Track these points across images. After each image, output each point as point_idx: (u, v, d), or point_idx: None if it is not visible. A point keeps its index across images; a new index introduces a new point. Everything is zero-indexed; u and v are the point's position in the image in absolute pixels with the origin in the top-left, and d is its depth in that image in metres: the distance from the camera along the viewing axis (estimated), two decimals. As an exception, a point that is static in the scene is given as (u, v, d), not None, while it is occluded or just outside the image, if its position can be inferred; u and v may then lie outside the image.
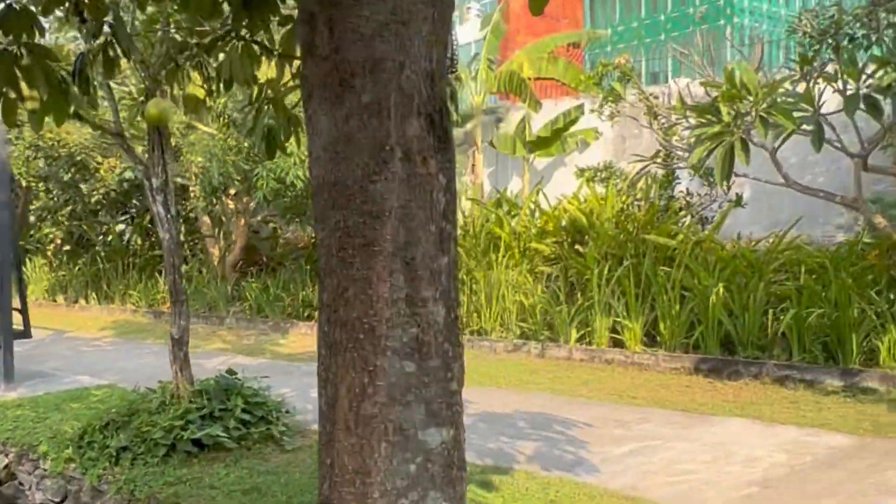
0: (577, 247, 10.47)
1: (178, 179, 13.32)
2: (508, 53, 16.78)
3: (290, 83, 3.87)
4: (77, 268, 15.60)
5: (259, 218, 13.88)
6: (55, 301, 15.82)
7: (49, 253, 16.69)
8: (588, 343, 9.67)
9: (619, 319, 9.48)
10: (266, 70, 3.96)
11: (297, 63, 3.74)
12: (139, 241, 15.63)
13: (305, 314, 12.25)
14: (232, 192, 13.42)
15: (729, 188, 10.17)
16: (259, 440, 5.87)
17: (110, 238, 15.79)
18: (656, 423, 6.48)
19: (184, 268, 14.07)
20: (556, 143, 13.67)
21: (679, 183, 10.95)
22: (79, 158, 12.85)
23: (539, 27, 19.30)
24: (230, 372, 6.31)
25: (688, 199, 10.66)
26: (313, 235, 13.11)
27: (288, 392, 7.82)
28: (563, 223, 10.78)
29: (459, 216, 12.37)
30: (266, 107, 3.87)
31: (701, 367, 8.61)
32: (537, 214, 11.18)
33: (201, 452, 5.72)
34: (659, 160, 9.73)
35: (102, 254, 15.60)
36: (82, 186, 13.40)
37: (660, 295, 9.30)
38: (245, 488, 5.18)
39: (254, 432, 5.83)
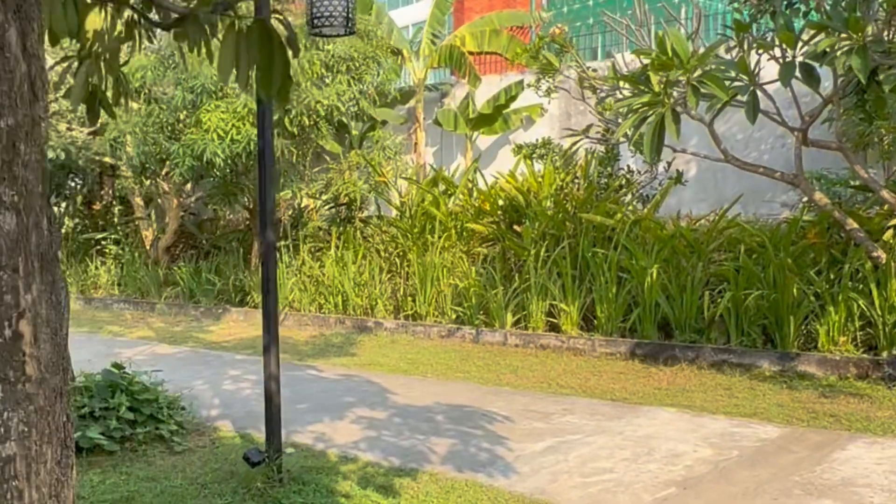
0: (514, 227, 9.95)
1: (107, 158, 12.55)
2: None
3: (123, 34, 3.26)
4: None
5: (193, 199, 13.14)
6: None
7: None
8: (524, 327, 9.18)
9: (555, 303, 9.00)
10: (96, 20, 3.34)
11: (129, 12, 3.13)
12: (70, 224, 14.78)
13: (237, 299, 11.59)
14: (164, 171, 12.65)
15: (669, 164, 9.72)
16: (146, 441, 5.25)
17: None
18: (580, 415, 5.99)
19: (114, 251, 13.38)
20: (498, 121, 13.10)
21: (620, 160, 10.46)
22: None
23: (497, 3, 18.65)
24: (116, 366, 5.67)
25: (628, 176, 10.18)
26: (248, 217, 12.42)
27: (199, 384, 7.21)
28: (501, 202, 10.25)
29: (395, 196, 11.85)
30: (89, 62, 3.23)
31: (637, 352, 8.17)
32: (475, 194, 10.63)
33: (79, 457, 5.10)
34: (593, 135, 9.22)
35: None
36: None
37: (597, 277, 8.83)
38: (115, 498, 4.57)
39: (139, 433, 5.21)
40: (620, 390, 6.84)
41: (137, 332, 10.49)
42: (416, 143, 14.11)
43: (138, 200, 13.67)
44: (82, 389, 5.30)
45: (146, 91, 10.32)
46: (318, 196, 12.07)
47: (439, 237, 10.38)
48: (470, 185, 10.69)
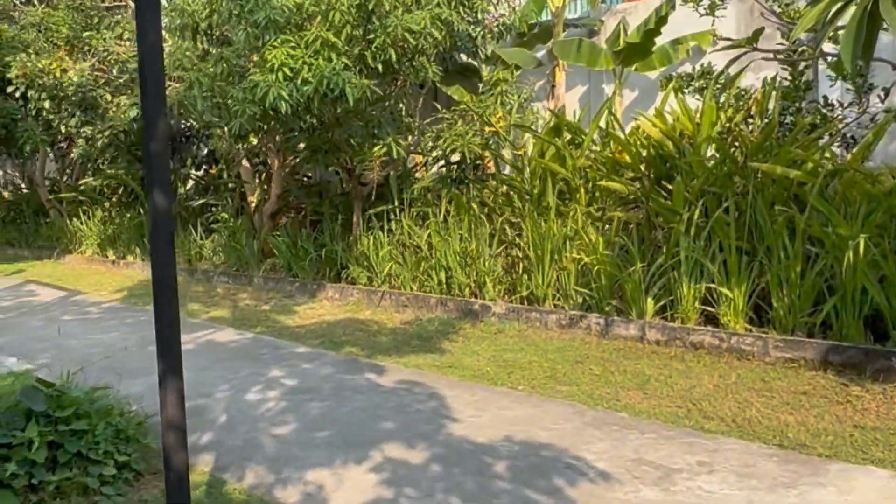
0: (661, 183, 7.71)
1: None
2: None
3: None
4: (127, 220, 14.36)
5: (298, 160, 11.86)
6: (106, 257, 14.73)
7: (107, 205, 15.59)
8: (669, 318, 7.00)
9: (713, 286, 6.73)
10: None
11: None
12: (182, 191, 14.14)
13: (332, 273, 10.20)
14: (265, 127, 11.48)
15: (886, 92, 7.03)
16: (64, 492, 3.82)
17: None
18: (723, 476, 3.88)
19: (224, 217, 12.47)
20: (655, 53, 10.66)
21: (813, 88, 7.83)
22: (91, 95, 11.30)
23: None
24: (42, 383, 4.29)
25: (825, 111, 7.56)
26: (349, 178, 10.95)
27: (222, 390, 5.80)
28: (644, 153, 8.00)
29: (509, 151, 9.87)
30: None
31: (831, 360, 5.78)
32: (611, 144, 8.43)
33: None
34: (767, 52, 6.71)
35: (147, 205, 14.25)
36: (86, 130, 11.88)
37: (774, 251, 6.46)
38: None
39: (53, 480, 3.78)
40: (799, 427, 4.59)
41: (215, 311, 9.37)
42: (552, 87, 11.99)
43: (244, 162, 12.64)
44: (-13, 415, 3.95)
45: (217, 34, 9.04)
46: (426, 152, 10.35)
47: (563, 199, 8.34)
48: (606, 132, 8.49)
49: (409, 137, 11.04)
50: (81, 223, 15.42)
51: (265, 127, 9.18)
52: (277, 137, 11.29)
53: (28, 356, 7.18)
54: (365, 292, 9.46)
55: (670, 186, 7.66)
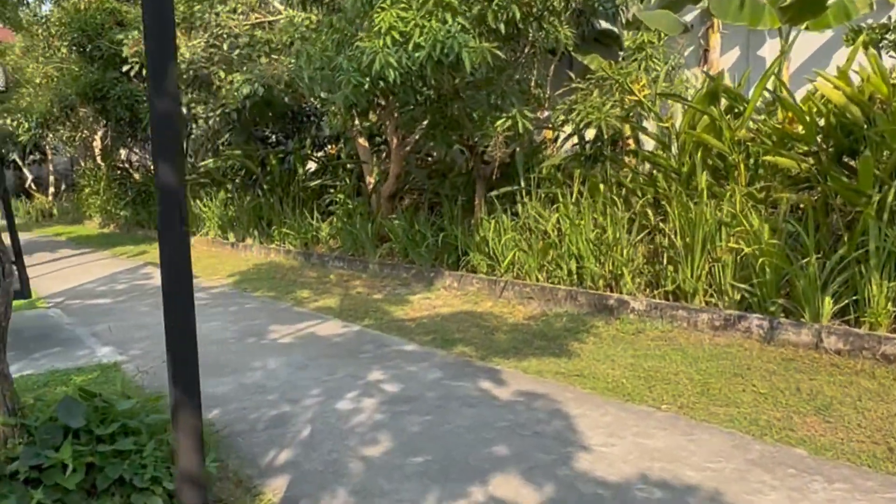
0: (843, 159, 6.46)
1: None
2: None
3: None
4: (246, 203, 14.26)
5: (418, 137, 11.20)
6: (226, 239, 14.72)
7: (229, 186, 15.61)
8: (853, 322, 5.80)
9: (913, 285, 5.49)
10: None
11: None
12: (301, 171, 13.84)
13: (451, 260, 9.48)
14: (382, 102, 10.92)
15: None
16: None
17: (269, 167, 14.20)
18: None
19: (342, 199, 12.05)
20: (831, 8, 9.22)
21: None
22: (203, 72, 11.07)
23: None
24: (87, 394, 3.76)
25: None
26: (470, 156, 10.17)
27: (311, 396, 5.17)
28: (822, 122, 6.75)
29: (653, 124, 8.73)
30: None
31: None
32: (779, 112, 7.20)
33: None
34: None
35: (264, 186, 14.09)
36: (198, 109, 11.68)
37: None
38: None
39: (88, 509, 3.23)
40: None
41: (324, 300, 8.87)
42: (705, 51, 10.71)
43: (361, 141, 12.15)
44: (21, 430, 3.44)
45: (327, 0, 8.48)
46: (557, 126, 9.40)
47: (717, 178, 7.22)
48: (773, 98, 7.26)
49: (538, 111, 10.14)
50: (204, 205, 15.50)
51: (376, 100, 8.53)
52: (396, 114, 10.68)
53: (123, 346, 6.87)
54: (485, 282, 8.69)
55: (854, 163, 6.41)
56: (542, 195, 8.96)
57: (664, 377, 5.25)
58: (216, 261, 12.92)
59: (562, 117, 8.90)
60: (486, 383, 5.30)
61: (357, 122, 11.80)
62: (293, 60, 8.71)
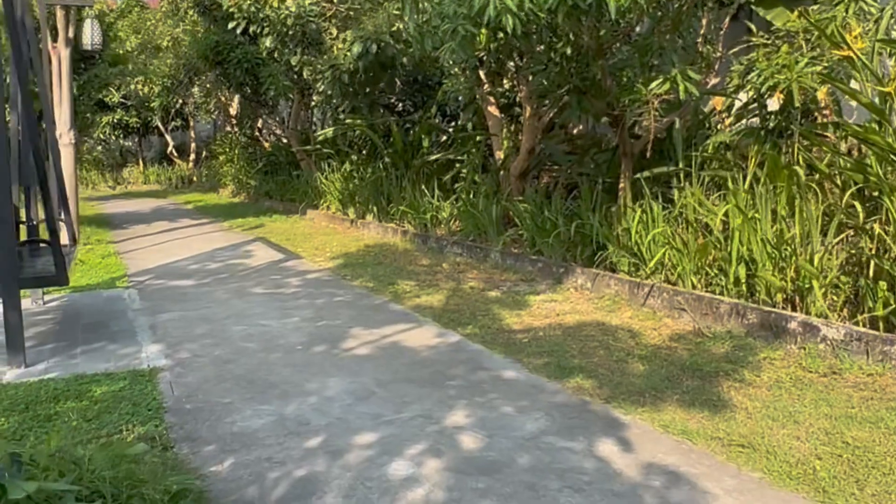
0: None
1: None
2: None
3: None
4: (367, 176, 13.24)
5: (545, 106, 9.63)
6: (346, 215, 13.79)
7: (354, 158, 14.66)
8: None
9: None
10: None
11: None
12: (427, 144, 12.61)
13: (585, 254, 7.93)
14: (511, 65, 9.49)
15: None
16: None
17: (392, 138, 13.06)
18: None
19: (471, 176, 10.73)
20: None
21: None
22: (312, 29, 10.00)
23: None
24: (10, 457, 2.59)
25: None
26: (615, 128, 8.52)
27: (353, 453, 3.87)
28: None
29: (867, 87, 6.68)
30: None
31: None
32: None
33: None
34: None
35: (386, 159, 12.98)
36: (306, 70, 10.61)
37: None
38: None
39: None
40: None
41: (427, 295, 7.57)
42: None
43: (492, 109, 10.74)
44: None
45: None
46: (730, 93, 7.59)
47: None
48: None
49: (706, 74, 8.35)
50: (325, 177, 14.66)
51: (503, 59, 7.10)
52: (531, 77, 9.18)
53: (175, 345, 5.87)
54: (626, 284, 7.11)
55: None
56: (706, 179, 7.24)
57: (880, 462, 3.56)
58: (328, 238, 11.97)
59: (736, 81, 7.10)
60: (606, 446, 3.80)
61: (486, 86, 10.40)
62: (398, 10, 7.42)
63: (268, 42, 10.56)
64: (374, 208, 12.76)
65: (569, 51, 7.26)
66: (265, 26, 10.35)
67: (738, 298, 6.17)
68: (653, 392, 4.59)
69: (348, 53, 9.64)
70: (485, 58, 9.40)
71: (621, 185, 8.16)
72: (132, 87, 19.41)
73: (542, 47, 7.22)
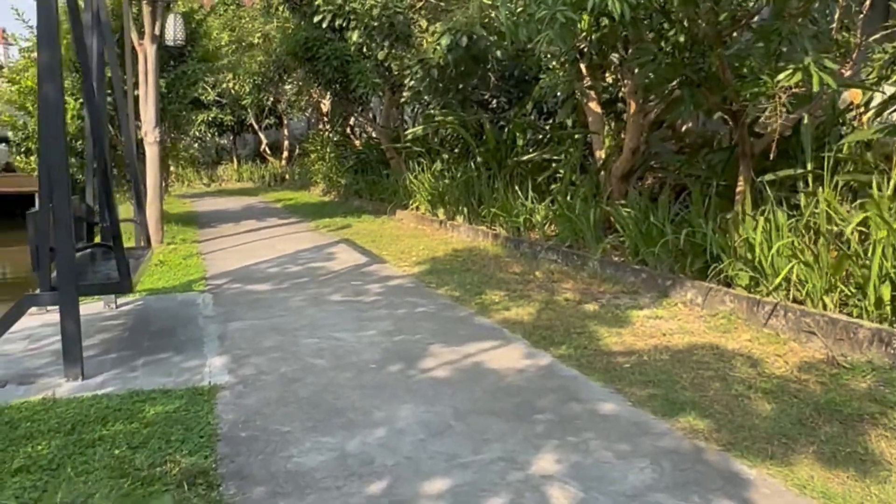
0: None
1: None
2: None
3: None
4: (458, 176, 12.73)
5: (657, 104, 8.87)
6: (435, 216, 13.33)
7: (446, 156, 14.18)
8: None
9: None
10: None
11: None
12: (521, 142, 12.00)
13: (696, 266, 7.18)
14: (615, 57, 8.82)
15: None
16: None
17: (485, 136, 12.49)
18: None
19: (569, 176, 10.10)
20: None
21: None
22: (400, 21, 9.52)
23: None
24: None
25: None
26: (733, 125, 7.71)
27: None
28: None
29: None
30: None
31: None
32: None
33: None
34: None
35: (478, 158, 12.42)
36: (394, 65, 10.13)
37: None
38: None
39: None
40: None
41: (517, 308, 6.98)
42: None
43: (592, 105, 10.05)
44: None
45: None
46: (870, 85, 6.71)
47: None
48: None
49: (843, 65, 7.46)
50: (415, 176, 14.25)
51: (593, 46, 6.45)
52: (637, 69, 8.47)
53: (241, 358, 5.50)
54: (744, 301, 6.34)
55: None
56: (840, 184, 6.40)
57: None
58: (415, 241, 11.52)
59: (882, 70, 6.23)
60: (730, 513, 3.15)
61: (587, 80, 9.72)
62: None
63: (354, 36, 10.18)
64: (465, 210, 12.25)
65: (682, 39, 6.54)
66: (352, 19, 9.96)
67: (881, 323, 5.35)
68: (782, 439, 3.89)
69: (438, 47, 9.13)
70: (585, 49, 8.74)
71: (739, 188, 7.37)
72: (224, 84, 19.51)
73: (652, 35, 6.52)
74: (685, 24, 6.53)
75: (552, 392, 4.68)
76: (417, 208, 14.34)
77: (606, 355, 5.46)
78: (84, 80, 5.68)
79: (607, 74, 10.19)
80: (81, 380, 5.05)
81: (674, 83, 7.53)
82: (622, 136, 9.56)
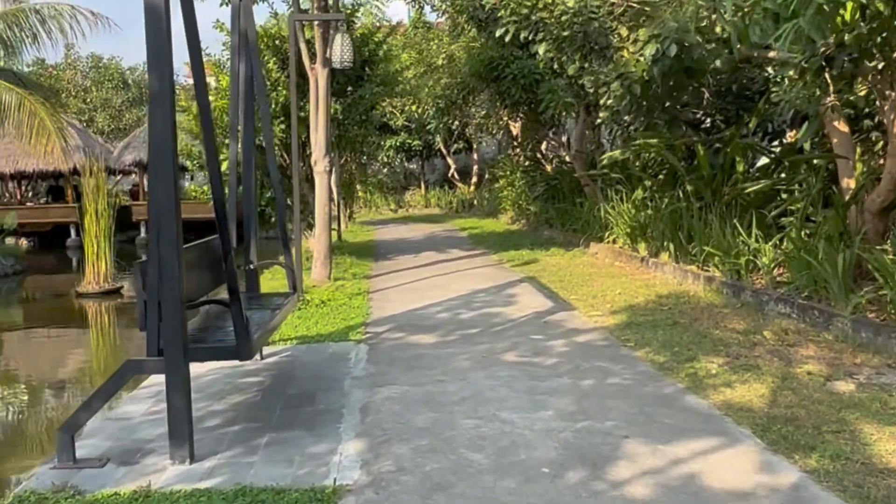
0: None
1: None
2: None
3: None
4: (664, 207, 11.22)
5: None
6: (636, 251, 11.87)
7: (649, 183, 12.71)
8: None
9: None
10: None
11: None
12: (739, 166, 10.32)
13: None
14: (871, 64, 7.19)
15: None
16: None
17: (696, 161, 10.90)
18: None
19: (801, 211, 8.45)
20: None
21: None
22: (595, 29, 8.25)
23: None
24: None
25: None
26: None
27: None
28: None
29: None
30: None
31: None
32: None
33: None
34: None
35: (687, 186, 10.86)
36: (585, 80, 8.82)
37: None
38: None
39: None
40: None
41: (739, 386, 5.45)
42: None
43: (838, 124, 8.29)
44: None
45: None
46: None
47: None
48: None
49: None
50: (612, 206, 12.89)
51: (847, 50, 4.91)
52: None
53: (380, 445, 4.46)
54: None
55: None
56: None
57: None
58: (610, 282, 10.16)
59: None
60: None
61: (832, 94, 8.01)
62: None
63: (541, 49, 9.07)
64: (671, 246, 10.73)
65: None
66: (539, 30, 8.87)
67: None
68: None
69: (640, 58, 7.82)
70: (836, 55, 7.12)
71: None
72: (406, 107, 19.11)
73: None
74: None
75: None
76: (614, 241, 12.96)
77: (881, 474, 3.90)
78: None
79: (859, 86, 8.40)
80: (189, 463, 4.23)
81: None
82: (880, 161, 7.77)
